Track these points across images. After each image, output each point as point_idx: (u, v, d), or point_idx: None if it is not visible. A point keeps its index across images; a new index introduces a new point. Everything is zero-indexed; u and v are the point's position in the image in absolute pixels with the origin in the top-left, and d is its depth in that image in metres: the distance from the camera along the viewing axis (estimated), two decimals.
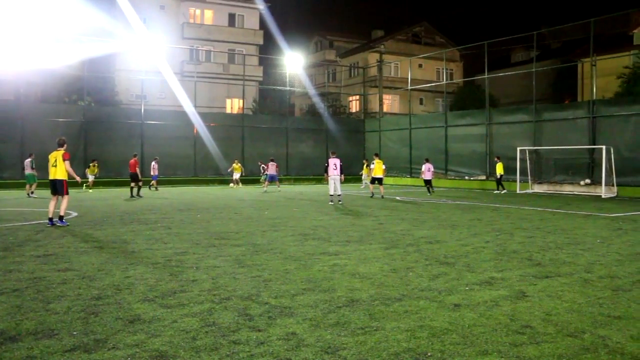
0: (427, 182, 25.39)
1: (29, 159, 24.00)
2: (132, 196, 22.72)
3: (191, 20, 48.85)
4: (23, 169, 24.45)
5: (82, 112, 32.29)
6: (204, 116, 35.38)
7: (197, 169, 34.47)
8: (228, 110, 47.61)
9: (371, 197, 23.20)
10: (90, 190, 26.69)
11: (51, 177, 13.07)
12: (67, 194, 13.09)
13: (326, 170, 20.66)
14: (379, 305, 5.96)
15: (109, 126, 32.06)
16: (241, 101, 44.07)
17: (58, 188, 12.95)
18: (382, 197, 23.15)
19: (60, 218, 12.91)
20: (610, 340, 4.86)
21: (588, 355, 4.48)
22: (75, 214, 15.42)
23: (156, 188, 28.09)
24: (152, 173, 28.26)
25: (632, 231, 12.61)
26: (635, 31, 41.84)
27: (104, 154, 31.04)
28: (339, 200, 19.93)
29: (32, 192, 23.47)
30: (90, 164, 28.59)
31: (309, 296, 6.33)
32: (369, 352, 4.50)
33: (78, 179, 13.64)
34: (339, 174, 20.11)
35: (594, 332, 5.06)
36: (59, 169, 12.91)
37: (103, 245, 10.09)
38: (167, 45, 41.14)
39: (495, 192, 27.01)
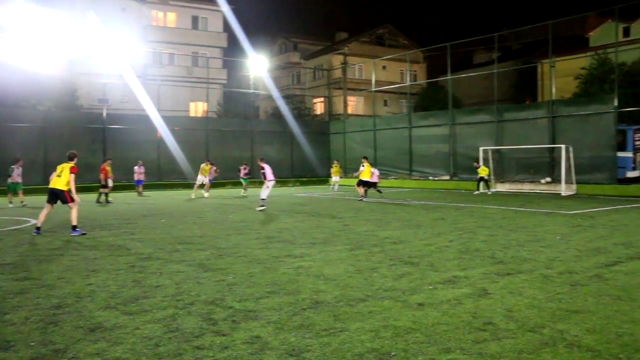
0: (372, 185, 24.40)
1: (16, 165, 21.93)
2: (97, 202, 22.30)
3: (154, 23, 48.35)
4: (9, 175, 21.88)
5: (41, 117, 31.60)
6: (167, 120, 35.00)
7: (162, 174, 34.06)
8: (192, 114, 47.20)
9: (361, 199, 22.55)
10: None
11: (52, 186, 12.56)
12: (73, 201, 12.60)
13: (265, 176, 19.20)
14: (343, 306, 5.98)
15: (70, 131, 31.42)
16: (205, 104, 43.77)
17: (61, 198, 12.47)
18: (362, 199, 22.71)
19: (74, 227, 12.46)
20: (568, 334, 4.98)
21: (547, 349, 4.57)
22: (34, 221, 15.08)
23: (140, 193, 27.50)
24: (135, 178, 27.79)
25: (590, 228, 12.91)
26: (591, 34, 42.87)
27: (65, 159, 30.33)
28: (262, 206, 18.55)
29: (22, 201, 21.97)
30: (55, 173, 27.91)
31: (273, 299, 6.32)
32: (333, 354, 4.52)
33: (77, 198, 12.80)
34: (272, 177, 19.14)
35: (553, 327, 5.17)
36: (63, 180, 12.50)
37: (64, 252, 9.90)
38: (130, 48, 40.60)
39: (476, 192, 27.14)
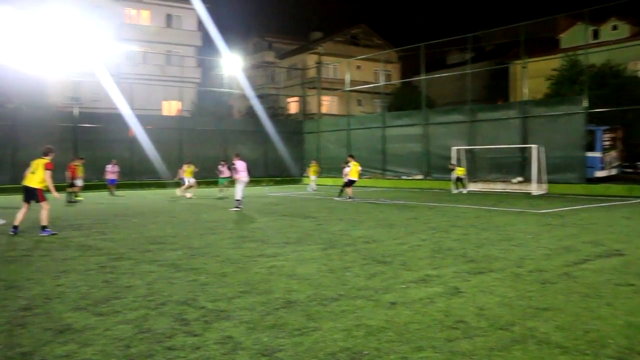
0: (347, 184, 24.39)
1: None
2: (69, 202, 21.98)
3: (127, 21, 47.80)
4: None
5: (11, 115, 31.05)
6: (140, 119, 34.60)
7: (134, 173, 33.69)
8: (165, 113, 46.78)
9: (350, 199, 22.25)
10: None
11: (25, 183, 12.19)
12: (45, 200, 12.30)
13: (233, 172, 19.29)
14: (316, 305, 5.99)
15: (41, 130, 30.90)
16: (179, 103, 43.47)
17: (32, 196, 12.18)
18: (339, 198, 22.57)
19: (43, 228, 12.11)
20: (538, 331, 5.05)
21: (518, 346, 4.64)
22: (3, 221, 14.82)
23: (112, 192, 27.07)
24: (107, 177, 27.39)
25: (560, 226, 13.11)
26: (562, 35, 43.54)
27: (35, 158, 29.83)
28: (237, 207, 18.29)
29: None
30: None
31: (246, 299, 6.30)
32: (306, 353, 4.52)
33: (56, 194, 12.33)
34: (246, 176, 18.73)
35: (524, 324, 5.24)
36: (37, 177, 12.12)
37: (33, 253, 9.74)
38: (102, 46, 40.09)
39: (454, 191, 27.30)
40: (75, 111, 32.79)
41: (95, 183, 28.87)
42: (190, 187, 25.25)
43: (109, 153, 30.55)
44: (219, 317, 5.59)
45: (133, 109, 34.66)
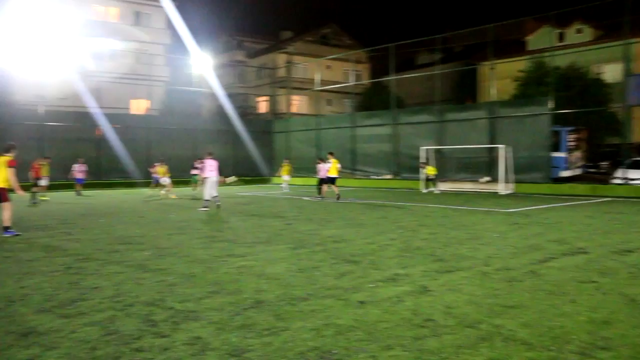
0: (323, 182, 24.07)
1: None
2: (33, 202, 21.54)
3: (95, 18, 47.06)
4: None
5: None
6: (108, 117, 34.17)
7: (102, 172, 33.21)
8: (134, 111, 46.20)
9: (338, 199, 21.80)
10: None
11: None
12: (8, 201, 11.96)
13: (200, 171, 19.16)
14: (285, 305, 5.99)
15: (5, 128, 30.25)
16: (147, 102, 42.98)
17: None
18: (323, 198, 22.33)
19: (6, 229, 11.78)
20: (505, 328, 5.13)
21: (485, 344, 4.70)
22: None
23: (79, 192, 26.52)
24: (74, 176, 26.86)
25: (527, 225, 13.32)
26: (529, 37, 44.22)
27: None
28: (217, 202, 18.40)
29: None
30: None
31: (215, 299, 6.27)
32: (275, 353, 4.52)
33: (20, 192, 11.97)
34: (217, 175, 18.59)
35: (491, 322, 5.32)
36: (0, 176, 11.80)
37: None
38: (69, 42, 39.42)
39: (425, 190, 27.49)
40: (41, 109, 32.19)
41: (61, 183, 28.38)
42: (165, 186, 24.64)
43: (75, 152, 30.03)
44: (187, 317, 5.55)
45: (101, 107, 34.18)
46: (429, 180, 27.61)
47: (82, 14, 45.58)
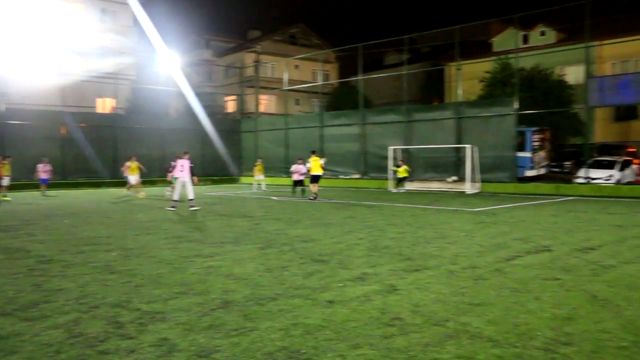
0: (297, 183, 24.47)
1: None
2: None
3: (59, 14, 46.08)
4: None
5: None
6: (73, 116, 33.60)
7: (67, 172, 32.62)
8: (99, 110, 45.44)
9: (314, 199, 21.66)
10: None
11: None
12: None
13: (170, 172, 19.04)
14: (253, 305, 5.97)
15: None
16: (113, 100, 42.35)
17: None
18: (315, 197, 21.98)
19: None
20: (471, 326, 5.19)
21: (451, 341, 4.76)
22: None
23: (43, 193, 25.92)
24: (39, 176, 26.28)
25: (493, 224, 13.51)
26: (494, 39, 44.84)
27: None
28: (191, 206, 17.67)
29: None
30: None
31: (182, 300, 6.21)
32: (243, 353, 4.50)
33: None
34: (188, 176, 18.00)
35: (457, 320, 5.38)
36: None
37: None
38: (33, 39, 38.60)
39: (394, 190, 27.57)
40: (2, 107, 31.46)
41: (24, 183, 27.81)
42: (133, 186, 24.09)
43: (39, 151, 29.45)
44: (154, 319, 5.49)
45: (65, 105, 33.58)
46: (399, 180, 27.73)
47: (45, 10, 44.68)
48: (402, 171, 27.28)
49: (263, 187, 29.97)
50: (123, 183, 26.89)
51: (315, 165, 22.37)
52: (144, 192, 24.04)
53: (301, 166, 24.27)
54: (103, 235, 11.75)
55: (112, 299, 6.30)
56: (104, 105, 46.43)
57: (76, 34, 44.22)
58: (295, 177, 24.29)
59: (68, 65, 41.52)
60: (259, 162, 31.31)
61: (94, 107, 44.70)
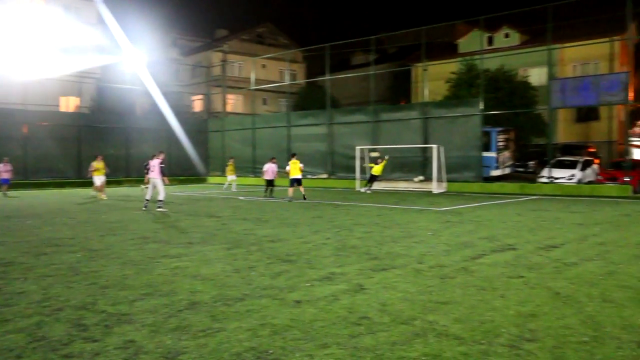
0: (269, 183, 24.08)
1: None
2: None
3: (19, 10, 45.10)
4: None
5: None
6: (34, 115, 32.95)
7: (29, 172, 31.95)
8: (63, 109, 44.60)
9: (289, 202, 21.21)
10: None
11: None
12: None
13: (147, 172, 18.80)
14: (221, 306, 5.94)
15: None
16: (77, 99, 41.59)
17: None
18: (305, 198, 21.60)
19: None
20: (438, 324, 5.25)
21: (419, 340, 4.80)
22: None
23: (5, 193, 25.20)
24: (1, 177, 25.54)
25: (459, 223, 13.67)
26: (460, 40, 45.38)
27: None
28: (159, 207, 17.38)
29: None
30: None
31: (148, 301, 6.14)
32: (211, 354, 4.48)
33: None
34: (158, 176, 17.77)
35: (424, 318, 5.44)
36: None
37: None
38: None
39: (363, 189, 27.51)
40: None
41: None
42: (98, 187, 23.13)
43: (0, 150, 28.78)
44: (120, 321, 5.42)
45: (26, 104, 32.89)
46: (371, 179, 27.61)
47: (3, 6, 43.66)
48: (378, 168, 26.75)
49: (233, 188, 29.61)
50: (89, 183, 26.24)
51: (295, 168, 22.06)
52: (106, 195, 23.32)
53: (274, 165, 24.07)
54: (67, 237, 11.54)
55: (76, 301, 6.19)
56: (68, 104, 45.61)
57: (38, 30, 43.33)
58: (267, 176, 23.95)
59: (30, 63, 40.64)
60: (230, 162, 30.89)
61: (58, 105, 43.89)
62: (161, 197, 17.72)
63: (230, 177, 30.04)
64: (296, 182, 22.08)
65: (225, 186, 29.98)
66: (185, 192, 27.54)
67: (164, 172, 17.98)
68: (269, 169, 23.91)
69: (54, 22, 45.04)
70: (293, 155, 22.92)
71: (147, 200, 17.84)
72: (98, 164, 23.41)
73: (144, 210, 17.43)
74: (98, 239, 11.19)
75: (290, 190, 22.07)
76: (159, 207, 17.47)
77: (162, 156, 18.34)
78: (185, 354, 4.50)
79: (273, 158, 24.74)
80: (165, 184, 17.98)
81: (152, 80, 41.43)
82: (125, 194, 25.02)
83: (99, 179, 23.24)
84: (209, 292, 6.53)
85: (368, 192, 26.69)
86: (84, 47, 45.43)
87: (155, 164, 17.84)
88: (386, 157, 27.24)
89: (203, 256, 9.03)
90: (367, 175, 27.39)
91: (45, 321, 5.43)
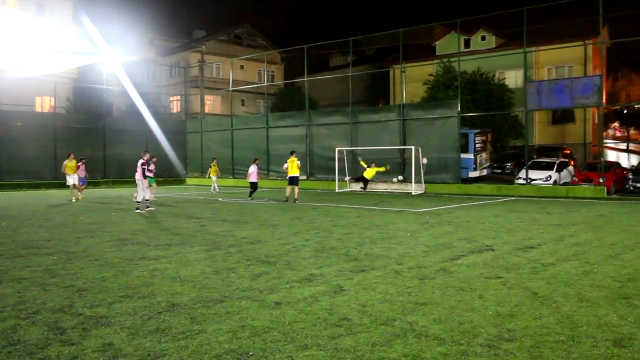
0: (254, 185, 23.43)
1: None
2: None
3: None
4: None
5: None
6: (9, 115, 32.48)
7: (3, 173, 31.49)
8: (38, 109, 44.01)
9: (285, 201, 21.19)
10: None
11: None
12: None
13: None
14: (200, 308, 5.91)
15: None
16: (53, 99, 41.05)
17: None
18: (295, 201, 21.23)
19: None
20: (417, 325, 5.28)
21: (398, 340, 4.82)
22: None
23: None
24: None
25: (437, 224, 13.76)
26: (437, 43, 45.72)
27: None
28: (137, 208, 17.45)
29: None
30: None
31: (127, 303, 6.09)
32: (191, 357, 4.46)
33: None
34: (140, 177, 17.59)
35: (404, 319, 5.46)
36: None
37: None
38: None
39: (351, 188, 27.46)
40: None
41: None
42: (75, 186, 22.49)
43: None
44: (98, 323, 5.36)
45: (1, 103, 32.43)
46: (361, 180, 27.69)
47: None
48: (371, 172, 27.06)
49: (216, 189, 29.32)
50: (64, 184, 25.79)
51: (293, 166, 21.45)
52: (81, 195, 22.95)
53: (253, 168, 23.36)
54: (43, 239, 11.39)
55: (53, 304, 6.12)
56: (43, 104, 45.02)
57: (12, 30, 42.65)
58: (252, 178, 23.51)
59: (4, 63, 40.04)
60: (213, 162, 30.37)
61: (33, 105, 43.29)
62: (139, 198, 17.57)
63: (214, 177, 29.69)
64: (294, 180, 21.51)
65: (215, 188, 29.30)
66: (163, 194, 27.30)
67: (144, 173, 17.65)
68: (255, 171, 23.27)
69: (28, 22, 44.40)
70: (292, 153, 22.21)
71: (147, 200, 17.73)
72: (70, 162, 22.65)
73: (152, 210, 17.42)
74: (75, 241, 11.07)
75: (288, 189, 21.65)
76: (137, 209, 17.38)
77: (146, 156, 18.11)
78: (164, 356, 4.47)
79: (256, 159, 24.32)
80: (146, 186, 17.72)
81: (130, 81, 41.08)
82: (103, 195, 24.73)
83: (72, 179, 22.50)
84: (188, 294, 6.49)
85: (355, 188, 26.53)
86: (59, 47, 44.87)
87: (138, 164, 17.63)
88: (388, 167, 27.44)
89: (182, 258, 8.98)
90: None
91: (21, 324, 5.35)
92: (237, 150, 37.12)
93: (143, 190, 17.66)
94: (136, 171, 17.75)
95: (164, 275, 7.62)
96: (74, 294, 6.54)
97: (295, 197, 21.55)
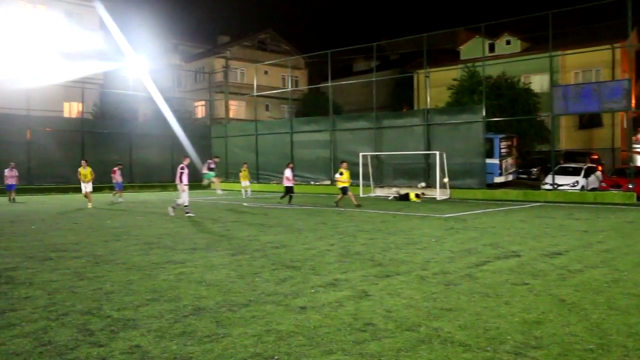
0: (289, 189, 23.07)
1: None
2: None
3: (21, 16, 45.17)
4: None
5: None
6: (38, 120, 33.05)
7: (32, 177, 32.04)
8: (66, 115, 44.71)
9: (358, 205, 21.51)
10: None
11: None
12: None
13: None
14: (225, 312, 5.94)
15: None
16: (80, 105, 41.66)
17: None
18: (337, 205, 21.80)
19: None
20: (442, 330, 5.25)
21: (424, 346, 4.80)
22: None
23: (12, 199, 25.05)
24: (6, 182, 25.47)
25: (462, 230, 13.66)
26: (462, 47, 45.47)
27: None
28: (186, 212, 17.62)
29: None
30: None
31: (153, 307, 6.15)
32: None
33: None
34: (178, 181, 17.72)
35: (429, 325, 5.43)
36: None
37: None
38: None
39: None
40: None
41: None
42: (88, 195, 22.18)
43: (5, 156, 28.84)
44: (125, 326, 5.43)
45: (30, 109, 33.01)
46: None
47: (6, 11, 43.76)
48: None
49: (248, 194, 29.17)
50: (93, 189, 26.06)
51: (346, 176, 22.02)
52: (121, 198, 23.25)
53: (287, 172, 23.22)
54: (71, 242, 11.57)
55: (81, 306, 6.21)
56: (71, 110, 45.73)
57: (40, 36, 43.40)
58: (287, 182, 23.03)
59: (33, 69, 40.74)
60: (244, 167, 30.24)
61: (61, 111, 44.01)
62: (185, 202, 17.62)
63: (244, 183, 29.55)
64: (344, 191, 21.95)
65: (248, 193, 29.18)
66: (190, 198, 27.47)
67: (181, 178, 17.64)
68: (290, 175, 23.00)
69: (56, 28, 45.15)
70: (343, 163, 22.55)
71: (186, 205, 17.68)
72: (83, 169, 22.51)
73: (192, 215, 17.38)
74: (103, 244, 11.22)
75: (353, 197, 21.96)
76: (187, 213, 17.51)
77: (186, 161, 18.13)
78: (191, 359, 4.51)
79: (289, 163, 24.09)
80: (182, 191, 17.67)
81: (155, 86, 41.52)
82: (129, 199, 25.01)
83: (84, 186, 22.33)
84: (214, 298, 6.54)
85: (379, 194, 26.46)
86: (86, 53, 45.55)
87: (177, 168, 17.74)
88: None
89: (207, 262, 9.04)
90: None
91: (51, 326, 5.44)
92: (262, 156, 37.28)
93: (183, 194, 17.59)
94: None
95: (190, 279, 7.68)
96: (102, 297, 6.63)
97: (354, 202, 21.73)
